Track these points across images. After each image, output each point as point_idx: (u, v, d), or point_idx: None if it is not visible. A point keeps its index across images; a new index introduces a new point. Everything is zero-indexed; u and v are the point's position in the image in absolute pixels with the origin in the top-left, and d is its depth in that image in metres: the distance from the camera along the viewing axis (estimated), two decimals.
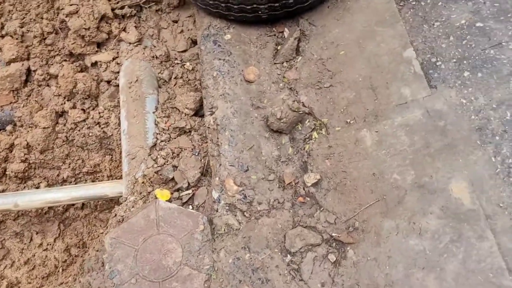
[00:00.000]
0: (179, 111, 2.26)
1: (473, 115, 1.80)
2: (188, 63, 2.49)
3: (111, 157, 2.53)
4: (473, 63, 1.90)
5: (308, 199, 1.81)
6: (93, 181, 2.58)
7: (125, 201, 2.03)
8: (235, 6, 2.06)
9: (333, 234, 1.71)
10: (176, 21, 2.56)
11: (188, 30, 2.53)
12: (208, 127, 2.01)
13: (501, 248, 1.55)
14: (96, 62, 2.49)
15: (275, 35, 2.21)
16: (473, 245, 1.58)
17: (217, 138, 1.95)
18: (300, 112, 1.92)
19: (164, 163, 2.09)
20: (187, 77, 2.44)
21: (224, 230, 1.76)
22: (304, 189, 1.83)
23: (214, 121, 1.97)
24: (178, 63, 2.50)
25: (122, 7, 2.48)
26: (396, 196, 1.73)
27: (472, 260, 1.56)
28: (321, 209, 1.78)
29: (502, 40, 1.92)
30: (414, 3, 2.10)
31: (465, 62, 1.91)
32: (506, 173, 1.67)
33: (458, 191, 1.67)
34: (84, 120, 2.46)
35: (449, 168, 1.72)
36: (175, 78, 2.43)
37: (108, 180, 2.56)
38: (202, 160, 2.07)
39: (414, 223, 1.67)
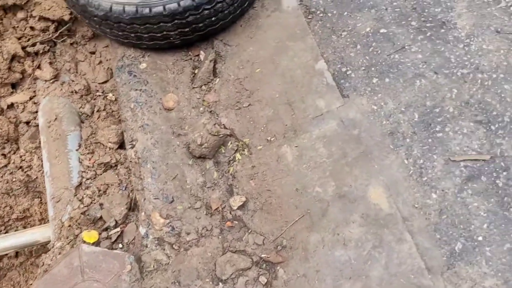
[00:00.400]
0: (103, 145, 2.20)
1: (384, 120, 1.86)
2: (110, 94, 2.43)
3: (40, 200, 2.42)
4: (380, 69, 1.96)
5: (236, 222, 1.81)
6: (24, 227, 2.46)
7: (52, 247, 1.95)
8: (145, 35, 2.04)
9: (262, 256, 1.72)
10: (93, 52, 2.50)
11: (107, 60, 2.48)
12: (130, 161, 1.97)
13: (419, 248, 1.61)
14: (12, 104, 2.38)
15: (191, 58, 2.20)
16: (393, 248, 1.63)
17: (140, 172, 1.91)
18: (221, 136, 1.92)
19: (91, 202, 2.03)
20: (111, 108, 2.38)
21: (153, 266, 1.72)
22: (231, 213, 1.82)
23: (135, 154, 1.94)
24: (100, 95, 2.43)
25: (33, 44, 2.39)
26: (319, 209, 1.76)
27: (394, 263, 1.61)
28: (249, 231, 1.78)
29: (405, 44, 2.00)
30: (321, 15, 2.15)
31: (373, 69, 1.97)
32: (418, 174, 1.73)
33: (376, 197, 1.72)
34: (5, 166, 2.35)
35: (366, 175, 1.77)
36: (97, 111, 2.37)
37: (40, 224, 2.45)
38: (130, 195, 2.03)
39: (338, 234, 1.70)
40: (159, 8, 1.93)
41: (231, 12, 2.10)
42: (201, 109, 2.07)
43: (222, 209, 1.84)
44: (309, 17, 2.16)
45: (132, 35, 2.04)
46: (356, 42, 2.05)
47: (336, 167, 1.81)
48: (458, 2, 2.05)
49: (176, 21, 1.98)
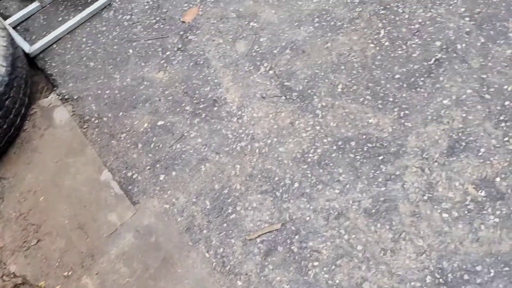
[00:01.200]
0: None
1: (179, 216, 1.81)
2: None
3: None
4: (165, 164, 1.93)
5: None
6: None
7: None
8: None
9: None
10: None
11: None
12: None
13: None
14: None
15: None
16: None
17: None
18: None
19: None
20: None
21: None
22: None
23: None
24: None
25: None
26: None
27: None
28: None
29: (183, 132, 2.00)
30: (97, 121, 2.07)
31: (158, 165, 1.93)
32: (221, 265, 1.71)
33: None
34: None
35: (172, 284, 1.69)
36: None
37: None
38: None
39: None
40: None
41: None
42: None
43: None
44: (85, 126, 2.06)
45: None
46: (137, 142, 1.99)
47: (140, 285, 1.70)
48: (223, 77, 2.14)
49: None
